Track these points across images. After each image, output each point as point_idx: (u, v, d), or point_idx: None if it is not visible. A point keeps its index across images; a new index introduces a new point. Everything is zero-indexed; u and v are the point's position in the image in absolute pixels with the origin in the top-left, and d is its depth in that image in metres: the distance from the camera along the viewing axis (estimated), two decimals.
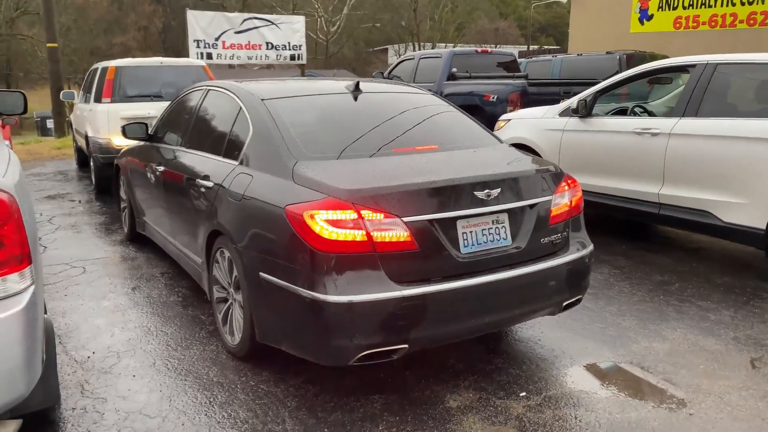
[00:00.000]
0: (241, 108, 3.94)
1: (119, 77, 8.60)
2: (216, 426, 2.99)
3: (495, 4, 62.53)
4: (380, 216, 2.92)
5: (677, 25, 16.38)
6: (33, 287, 2.28)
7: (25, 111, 4.63)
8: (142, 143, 5.66)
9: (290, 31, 17.77)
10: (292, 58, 18.02)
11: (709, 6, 15.67)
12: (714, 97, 5.16)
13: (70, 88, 23.92)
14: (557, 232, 3.47)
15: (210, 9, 25.76)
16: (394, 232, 2.94)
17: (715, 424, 2.99)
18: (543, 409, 3.14)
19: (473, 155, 3.70)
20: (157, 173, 4.91)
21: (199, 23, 16.47)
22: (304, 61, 18.43)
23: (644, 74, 5.99)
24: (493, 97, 10.42)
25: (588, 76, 10.58)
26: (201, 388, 3.35)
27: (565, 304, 3.50)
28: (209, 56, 16.31)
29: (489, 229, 3.21)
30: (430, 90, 4.95)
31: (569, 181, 3.62)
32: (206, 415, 3.09)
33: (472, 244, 3.14)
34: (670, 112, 5.66)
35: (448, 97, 8.22)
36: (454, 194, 3.12)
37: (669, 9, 16.50)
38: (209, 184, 3.87)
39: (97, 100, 8.70)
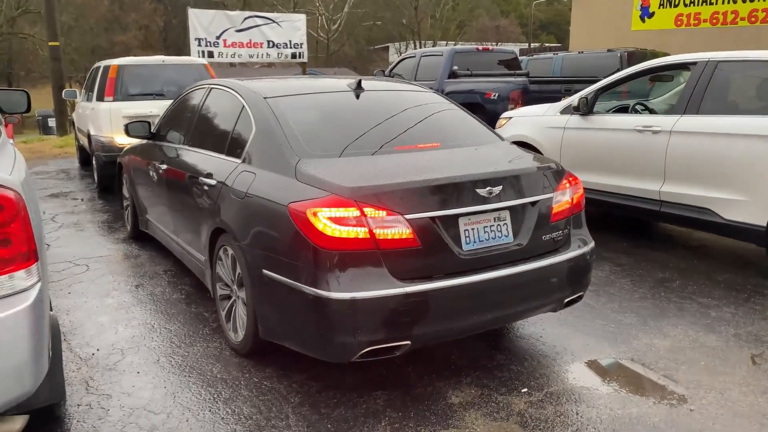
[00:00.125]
0: (243, 106, 3.96)
1: (121, 76, 8.61)
2: (220, 422, 3.01)
3: (496, 2, 62.51)
4: (383, 213, 2.94)
5: (678, 22, 16.38)
6: (39, 284, 2.30)
7: (28, 109, 4.65)
8: (144, 142, 5.69)
9: (291, 29, 17.79)
10: (294, 56, 18.04)
11: (711, 3, 15.66)
12: (715, 95, 5.18)
13: (71, 87, 23.98)
14: (558, 229, 3.49)
15: (211, 7, 25.74)
16: (397, 229, 2.95)
17: (715, 420, 3.01)
18: (545, 405, 3.16)
19: (475, 153, 3.71)
20: (160, 171, 4.93)
21: (201, 21, 16.49)
22: (305, 60, 18.44)
23: (645, 72, 6.00)
24: (495, 95, 10.44)
25: (589, 73, 10.59)
26: (205, 384, 3.37)
27: (566, 300, 3.52)
28: (210, 54, 16.34)
29: (491, 226, 3.23)
30: (431, 88, 4.96)
31: (570, 179, 3.63)
32: (210, 411, 3.11)
33: (474, 241, 3.16)
34: (671, 110, 5.67)
35: (450, 95, 8.23)
36: (456, 192, 3.14)
37: (670, 6, 16.49)
38: (212, 182, 3.89)
39: (100, 98, 8.72)
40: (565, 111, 6.39)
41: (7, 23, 38.92)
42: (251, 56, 17.55)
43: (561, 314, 4.07)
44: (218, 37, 16.61)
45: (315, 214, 2.93)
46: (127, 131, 5.44)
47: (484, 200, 3.18)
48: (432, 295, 2.98)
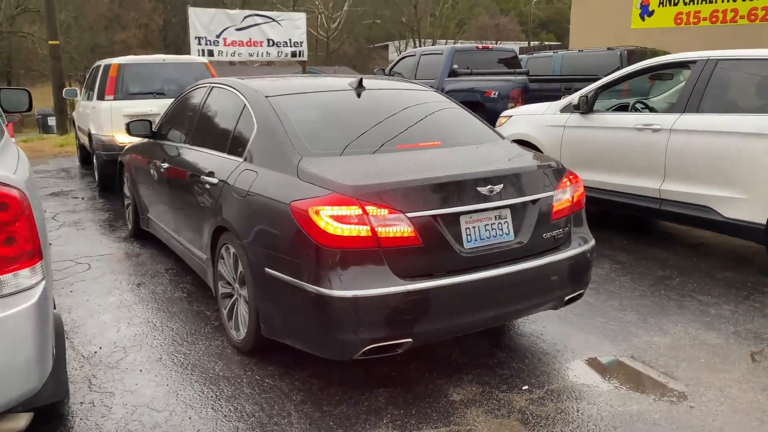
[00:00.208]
0: (245, 105, 3.97)
1: (122, 74, 8.62)
2: (223, 419, 3.03)
3: (495, 0, 62.47)
4: (384, 212, 2.96)
5: (678, 20, 16.39)
6: (44, 282, 2.32)
7: (30, 108, 4.67)
8: (145, 140, 5.70)
9: (291, 27, 17.81)
10: (293, 55, 18.06)
11: (710, 2, 15.68)
12: (715, 93, 5.19)
13: (70, 86, 23.95)
14: (559, 227, 3.50)
15: (211, 6, 25.74)
16: (398, 227, 2.97)
17: (715, 417, 3.03)
18: (545, 402, 3.17)
19: (476, 151, 3.73)
20: (162, 170, 4.95)
21: (201, 20, 16.51)
22: (305, 58, 18.46)
23: (645, 70, 6.02)
24: (495, 94, 10.44)
25: (589, 72, 10.58)
26: (207, 382, 3.39)
27: (567, 298, 3.54)
28: (210, 53, 16.36)
29: (492, 224, 3.25)
30: (431, 86, 4.98)
31: (571, 177, 3.65)
32: (213, 408, 3.13)
33: (475, 239, 3.18)
34: (671, 108, 5.68)
35: (450, 94, 8.22)
36: (457, 190, 3.15)
37: (670, 5, 16.51)
38: (214, 180, 3.91)
39: (100, 97, 8.73)
40: (565, 109, 6.41)
41: (6, 22, 38.87)
42: (251, 55, 17.57)
43: (561, 312, 4.09)
44: (218, 36, 16.63)
45: (317, 213, 2.94)
46: (129, 130, 5.46)
47: (486, 198, 3.19)
48: (434, 293, 3.00)
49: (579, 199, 3.67)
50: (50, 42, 17.86)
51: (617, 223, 6.68)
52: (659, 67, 5.99)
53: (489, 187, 3.20)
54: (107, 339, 3.96)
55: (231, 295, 3.83)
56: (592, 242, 3.69)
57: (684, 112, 5.30)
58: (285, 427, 2.96)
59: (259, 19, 17.39)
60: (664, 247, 5.85)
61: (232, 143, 3.98)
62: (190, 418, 3.04)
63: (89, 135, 9.21)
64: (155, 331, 4.07)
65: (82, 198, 8.52)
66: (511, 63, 12.00)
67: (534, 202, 3.39)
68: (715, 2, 15.57)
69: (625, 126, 5.74)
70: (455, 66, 11.06)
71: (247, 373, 3.47)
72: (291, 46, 17.88)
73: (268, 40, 17.47)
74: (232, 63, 19.79)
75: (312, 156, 3.36)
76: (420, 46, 42.90)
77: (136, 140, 6.14)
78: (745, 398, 3.19)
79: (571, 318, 4.17)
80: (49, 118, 25.84)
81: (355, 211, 2.93)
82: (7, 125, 4.31)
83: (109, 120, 8.36)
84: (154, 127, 5.52)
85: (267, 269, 3.22)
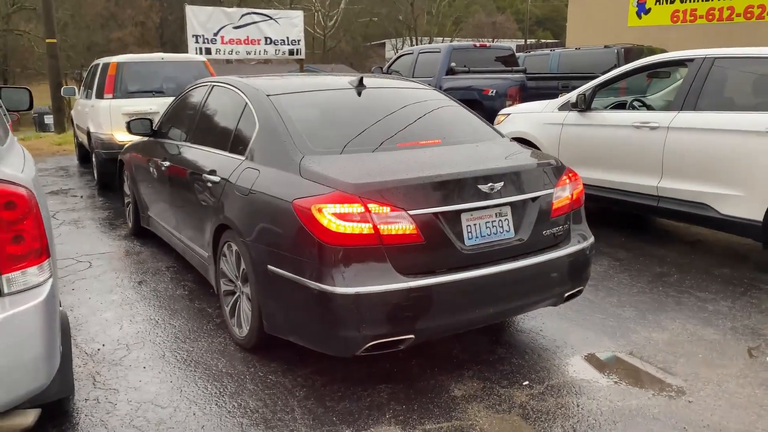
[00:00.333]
0: (246, 104, 3.99)
1: (121, 73, 8.63)
2: (227, 415, 3.06)
3: None
4: (386, 209, 2.99)
5: (674, 18, 16.45)
6: (51, 280, 2.35)
7: (30, 107, 4.69)
8: (146, 139, 5.72)
9: (289, 25, 17.82)
10: (291, 53, 18.08)
11: (706, 0, 15.72)
12: (712, 91, 5.23)
13: (67, 84, 23.92)
14: (559, 224, 3.54)
15: (208, 4, 25.72)
16: (400, 225, 3.00)
17: (714, 411, 3.07)
18: (546, 397, 3.21)
19: (476, 149, 3.76)
20: (162, 169, 4.97)
21: (198, 18, 16.50)
22: (302, 56, 18.49)
23: (643, 68, 6.05)
24: (492, 92, 10.46)
25: (586, 70, 10.62)
26: (211, 378, 3.42)
27: (566, 295, 3.57)
28: (208, 51, 16.36)
29: (492, 221, 3.28)
30: (429, 84, 5.00)
31: (570, 175, 3.68)
32: (217, 404, 3.16)
33: (476, 237, 3.21)
34: (668, 106, 5.72)
35: (447, 92, 8.26)
36: (458, 188, 3.18)
37: (666, 3, 16.56)
38: (216, 178, 3.93)
39: (99, 96, 8.74)
40: (563, 107, 6.44)
41: (2, 20, 38.75)
42: (249, 53, 17.58)
43: (561, 308, 4.12)
44: (216, 34, 16.63)
45: (320, 210, 2.97)
46: (129, 128, 5.48)
47: (486, 196, 3.22)
48: (435, 290, 3.03)
49: (578, 196, 3.70)
50: (47, 40, 17.82)
51: (615, 220, 6.72)
52: (657, 65, 6.03)
53: (490, 184, 3.23)
54: (110, 336, 3.98)
55: (233, 293, 3.85)
56: (592, 239, 3.72)
57: (681, 109, 5.34)
58: (289, 422, 2.99)
59: (256, 17, 17.39)
60: (662, 244, 5.90)
61: (234, 142, 4.01)
62: (194, 414, 3.07)
63: (88, 133, 9.22)
64: (158, 329, 4.09)
65: (81, 196, 8.53)
66: (509, 61, 12.03)
67: (534, 199, 3.43)
68: (712, 0, 15.62)
69: (623, 124, 5.78)
70: (453, 64, 11.08)
71: (250, 370, 3.50)
72: (288, 44, 17.89)
73: (266, 38, 17.48)
74: (229, 61, 19.80)
75: (314, 154, 3.39)
76: (417, 44, 42.89)
77: (136, 139, 6.16)
78: (743, 393, 3.23)
79: (571, 314, 4.21)
80: (45, 116, 25.75)
81: (357, 208, 2.96)
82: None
83: (109, 118, 8.37)
84: (154, 125, 5.54)
85: (270, 267, 3.25)
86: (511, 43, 26.75)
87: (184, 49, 17.73)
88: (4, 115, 3.76)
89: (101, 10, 44.42)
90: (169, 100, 6.12)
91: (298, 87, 4.24)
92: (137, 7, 45.48)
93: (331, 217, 2.95)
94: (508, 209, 3.34)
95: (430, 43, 41.76)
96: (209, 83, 4.81)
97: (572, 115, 6.28)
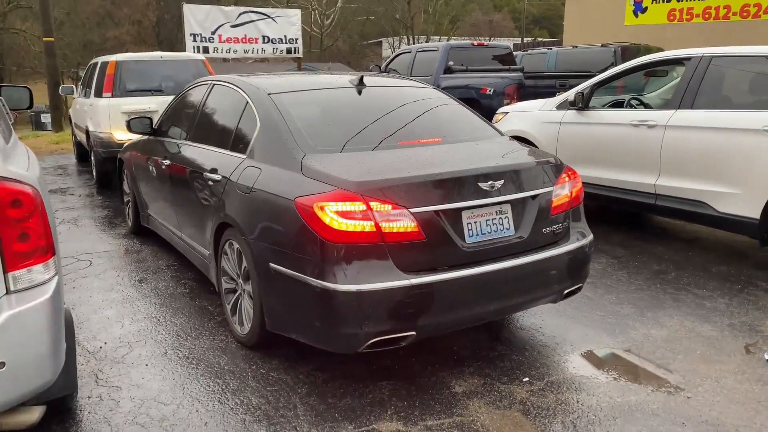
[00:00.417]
0: (247, 102, 4.01)
1: (119, 72, 8.63)
2: (229, 412, 3.08)
3: None
4: (388, 207, 3.01)
5: (671, 17, 16.48)
6: (57, 278, 2.36)
7: (31, 106, 4.70)
8: (145, 138, 5.73)
9: (287, 24, 17.81)
10: (288, 51, 18.07)
11: None
12: (709, 90, 5.26)
13: (64, 83, 23.88)
14: (558, 222, 3.57)
15: (205, 2, 25.71)
16: (402, 222, 3.02)
17: (712, 407, 3.10)
18: (546, 393, 3.24)
19: (476, 148, 3.78)
20: (163, 167, 4.98)
21: (196, 17, 16.48)
22: (300, 55, 18.48)
23: (641, 67, 6.08)
24: (490, 90, 10.51)
25: (583, 68, 10.67)
26: (213, 376, 3.44)
27: (566, 292, 3.60)
28: (206, 50, 16.34)
29: (492, 219, 3.30)
30: (427, 83, 5.03)
31: (570, 173, 3.71)
32: (219, 401, 3.18)
33: (477, 234, 3.24)
34: (666, 105, 5.76)
35: (445, 91, 8.30)
36: (458, 186, 3.21)
37: (663, 1, 16.60)
38: (217, 177, 3.95)
39: (98, 94, 8.74)
40: (561, 106, 6.47)
41: None
42: (246, 52, 17.56)
43: (560, 305, 4.15)
44: (213, 33, 16.61)
45: (322, 208, 2.99)
46: (129, 127, 5.49)
47: (486, 194, 3.25)
48: (436, 287, 3.06)
49: (577, 194, 3.73)
50: (45, 39, 17.79)
51: (613, 218, 6.75)
52: (654, 63, 6.06)
53: (490, 182, 3.25)
54: (112, 334, 4.00)
55: (234, 291, 3.87)
56: (591, 237, 3.75)
57: (679, 108, 5.37)
58: (291, 419, 3.02)
59: (254, 16, 17.38)
60: (660, 241, 5.93)
61: (235, 140, 4.02)
62: (197, 411, 3.09)
63: (87, 132, 9.22)
64: (159, 327, 4.11)
65: (80, 195, 8.53)
66: (506, 60, 12.06)
67: (534, 197, 3.45)
68: None
69: (620, 122, 5.81)
70: (451, 63, 11.11)
71: (251, 367, 3.53)
72: (286, 43, 17.88)
73: (263, 36, 17.47)
74: (226, 60, 19.79)
75: (315, 152, 3.41)
76: (414, 43, 42.91)
77: (135, 137, 6.17)
78: (741, 389, 3.26)
79: (570, 311, 4.24)
80: (42, 115, 25.71)
81: (359, 206, 2.98)
82: None
83: (107, 117, 8.37)
84: (154, 124, 5.55)
85: (271, 264, 3.27)
86: (508, 42, 26.78)
87: (180, 48, 17.73)
88: (7, 113, 3.77)
89: (97, 8, 44.30)
90: (168, 98, 6.13)
91: (299, 86, 4.25)
92: (134, 6, 45.34)
93: (333, 215, 2.97)
94: (508, 207, 3.36)
95: (426, 41, 41.80)
96: (209, 82, 4.83)
97: (570, 114, 6.31)
